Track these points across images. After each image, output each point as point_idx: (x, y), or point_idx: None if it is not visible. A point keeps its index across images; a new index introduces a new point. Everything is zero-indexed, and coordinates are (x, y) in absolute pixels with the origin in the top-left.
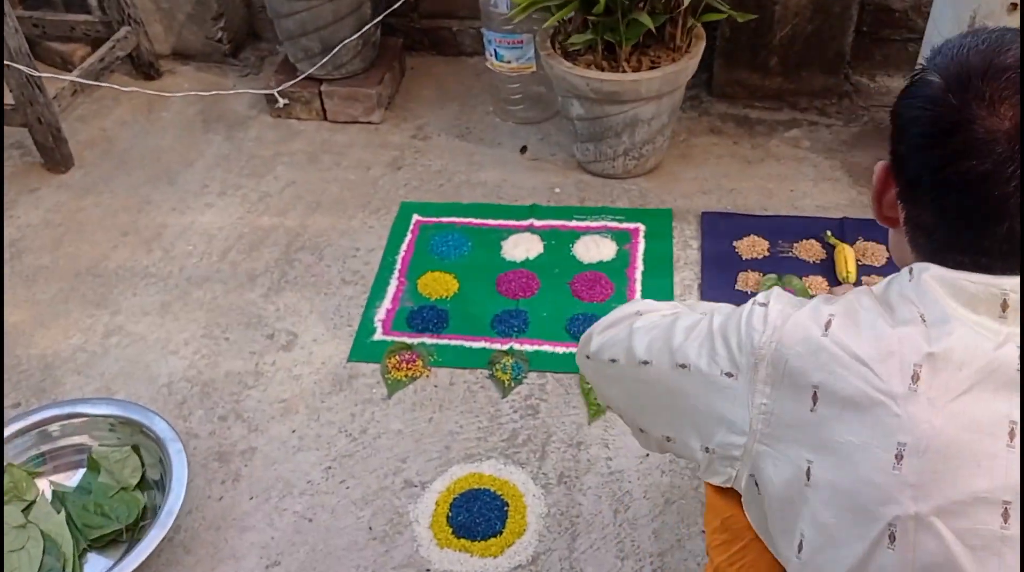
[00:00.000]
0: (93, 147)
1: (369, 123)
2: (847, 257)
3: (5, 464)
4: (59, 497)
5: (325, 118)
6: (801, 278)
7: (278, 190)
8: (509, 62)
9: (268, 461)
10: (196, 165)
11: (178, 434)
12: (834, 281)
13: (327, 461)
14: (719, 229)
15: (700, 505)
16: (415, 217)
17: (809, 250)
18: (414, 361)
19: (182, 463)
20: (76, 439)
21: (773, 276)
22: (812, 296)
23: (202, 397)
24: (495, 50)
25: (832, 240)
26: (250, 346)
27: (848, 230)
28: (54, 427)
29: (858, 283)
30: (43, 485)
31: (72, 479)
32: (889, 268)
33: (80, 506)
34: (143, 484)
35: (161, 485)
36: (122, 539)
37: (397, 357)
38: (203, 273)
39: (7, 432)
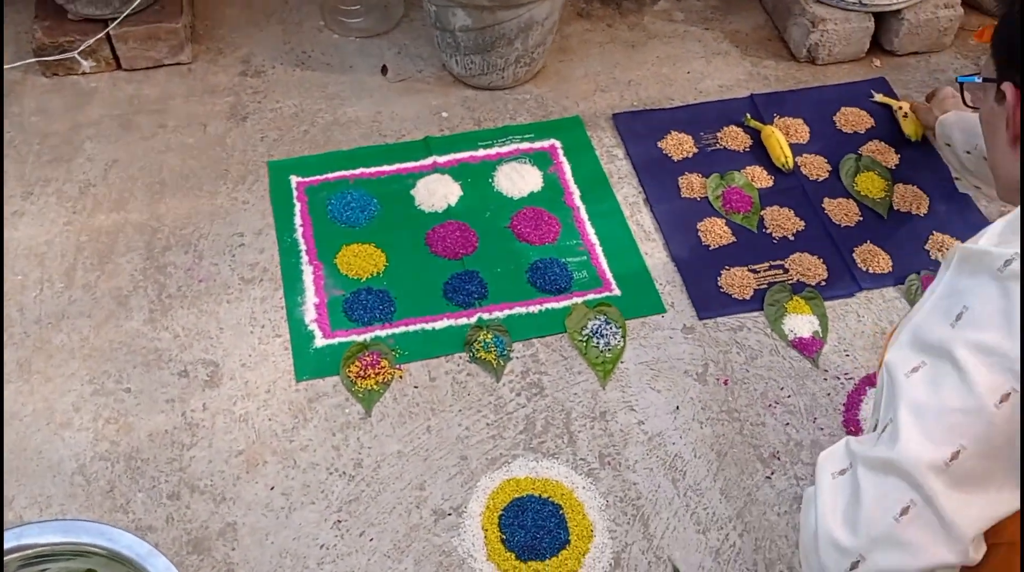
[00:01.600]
0: None
1: (178, 64)
2: (779, 140)
3: None
4: None
5: (119, 67)
6: (741, 171)
7: (100, 175)
8: None
9: (259, 535)
10: None
11: (156, 547)
12: (772, 168)
13: (331, 514)
14: (637, 131)
15: (751, 449)
16: (294, 179)
17: (735, 138)
18: (378, 363)
19: None
20: None
21: (716, 176)
22: (758, 190)
23: (133, 476)
24: None
25: (753, 123)
26: (163, 393)
27: (762, 107)
28: None
29: (796, 167)
30: None
31: None
32: (817, 144)
33: None
34: None
35: None
36: None
37: (357, 363)
38: (53, 309)
39: None
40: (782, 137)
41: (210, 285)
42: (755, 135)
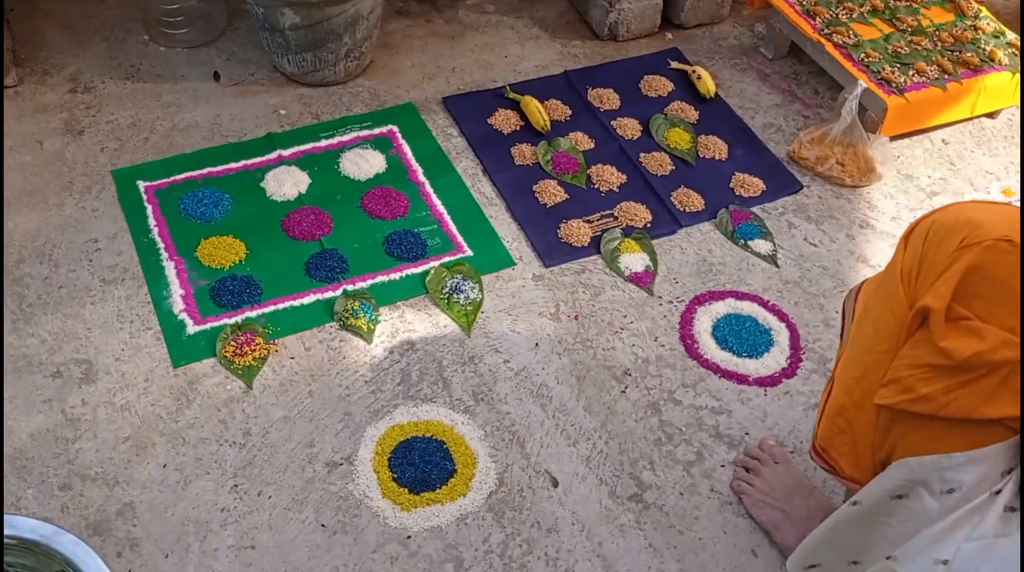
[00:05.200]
0: None
1: (5, 89)
2: (537, 107)
3: None
4: None
5: None
6: (566, 137)
7: None
8: None
9: (158, 509)
10: None
11: (62, 526)
12: (594, 132)
13: (228, 481)
14: (467, 111)
15: (606, 370)
16: (141, 184)
17: (555, 109)
18: (253, 340)
19: (89, 553)
20: None
21: (543, 143)
22: (582, 152)
23: (20, 474)
24: None
25: (512, 95)
26: (39, 394)
27: (575, 82)
28: None
29: (552, 130)
30: None
31: None
32: (628, 109)
33: None
34: None
35: None
36: None
37: (232, 343)
38: None
39: None
40: (538, 104)
41: (71, 290)
42: (576, 103)
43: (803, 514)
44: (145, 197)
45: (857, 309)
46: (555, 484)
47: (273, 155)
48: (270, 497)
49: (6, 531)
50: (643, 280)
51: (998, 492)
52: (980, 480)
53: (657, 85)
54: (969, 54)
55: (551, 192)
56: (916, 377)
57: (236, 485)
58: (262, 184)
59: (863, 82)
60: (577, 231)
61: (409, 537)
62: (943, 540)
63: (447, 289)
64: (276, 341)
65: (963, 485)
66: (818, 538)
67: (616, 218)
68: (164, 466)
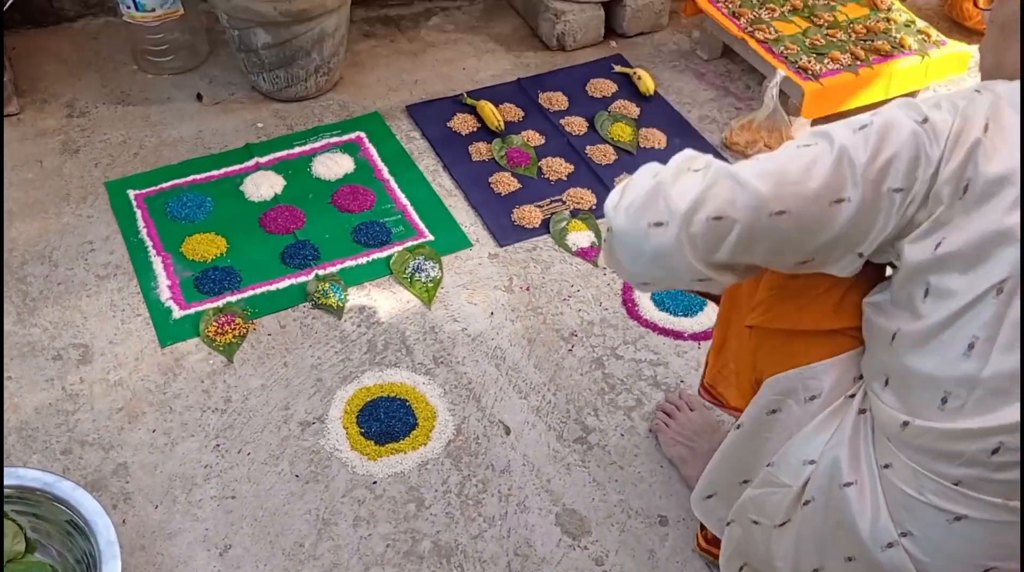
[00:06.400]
0: None
1: (8, 116)
2: (491, 110)
3: None
4: None
5: None
6: (518, 135)
7: None
8: (153, 10)
9: (148, 468)
10: None
11: (62, 474)
12: (544, 129)
13: (211, 441)
14: (428, 116)
15: (554, 333)
16: (132, 192)
17: (508, 111)
18: (233, 321)
19: (86, 496)
20: None
21: (498, 140)
22: (534, 147)
23: (27, 442)
24: (133, 0)
25: (469, 100)
26: (42, 374)
27: (527, 88)
28: None
29: (506, 129)
30: None
31: None
32: (575, 109)
33: None
34: (29, 547)
35: (70, 541)
36: None
37: (214, 323)
38: None
39: None
40: (492, 106)
41: (69, 286)
42: (528, 107)
43: (705, 449)
44: (135, 203)
45: None
46: (507, 432)
47: (251, 162)
48: (249, 454)
49: (13, 481)
50: (589, 254)
51: (852, 396)
52: (836, 384)
53: (602, 87)
54: (880, 42)
55: (505, 182)
56: (774, 297)
57: (218, 445)
58: (241, 188)
59: (782, 71)
60: (529, 214)
61: (375, 482)
62: (810, 442)
63: (410, 269)
64: (254, 321)
65: (822, 390)
66: (713, 466)
67: (564, 202)
68: (153, 431)
